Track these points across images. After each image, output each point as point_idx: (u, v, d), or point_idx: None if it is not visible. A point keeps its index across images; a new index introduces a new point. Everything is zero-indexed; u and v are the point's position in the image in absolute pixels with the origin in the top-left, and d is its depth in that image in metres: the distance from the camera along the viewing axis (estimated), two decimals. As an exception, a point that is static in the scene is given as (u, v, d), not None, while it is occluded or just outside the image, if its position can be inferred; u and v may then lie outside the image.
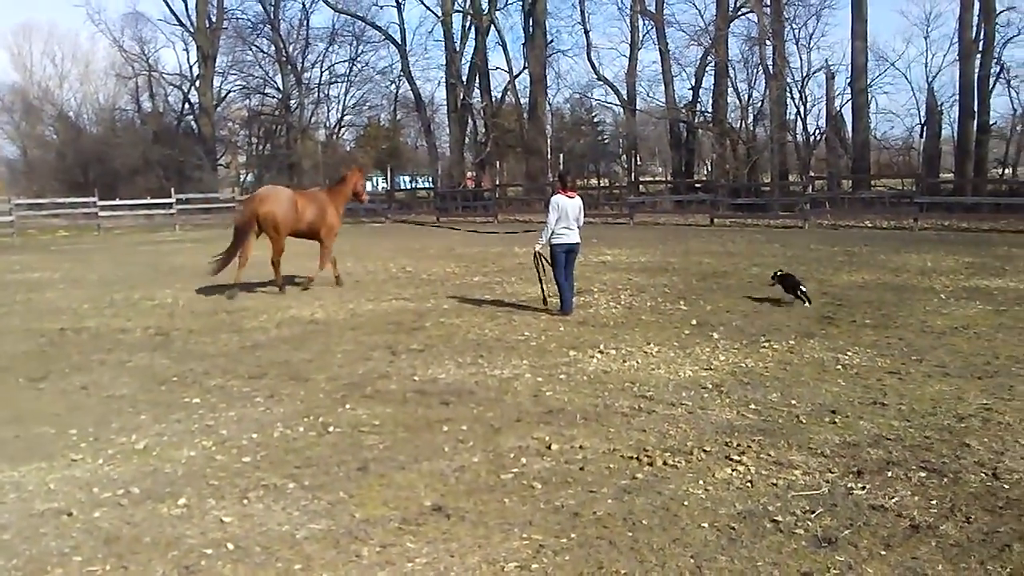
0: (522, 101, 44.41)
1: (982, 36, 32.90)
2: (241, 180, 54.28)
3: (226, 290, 13.01)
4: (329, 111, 54.02)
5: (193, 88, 50.29)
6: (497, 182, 40.91)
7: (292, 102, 50.02)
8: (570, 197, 10.69)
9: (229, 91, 52.04)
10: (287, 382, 7.60)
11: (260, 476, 5.25)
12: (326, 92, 52.14)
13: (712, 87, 39.02)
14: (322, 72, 50.95)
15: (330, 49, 50.50)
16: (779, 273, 11.52)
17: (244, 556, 4.18)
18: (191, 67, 50.24)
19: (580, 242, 10.94)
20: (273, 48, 49.32)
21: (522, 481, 5.05)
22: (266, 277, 13.71)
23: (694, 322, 9.95)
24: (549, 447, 5.63)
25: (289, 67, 48.73)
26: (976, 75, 32.83)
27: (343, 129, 55.75)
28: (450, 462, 5.41)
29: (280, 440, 5.96)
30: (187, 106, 51.93)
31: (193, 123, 52.00)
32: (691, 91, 40.75)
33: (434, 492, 4.91)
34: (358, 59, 51.08)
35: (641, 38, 41.37)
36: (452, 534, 4.34)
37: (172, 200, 34.93)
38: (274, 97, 51.68)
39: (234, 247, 13.13)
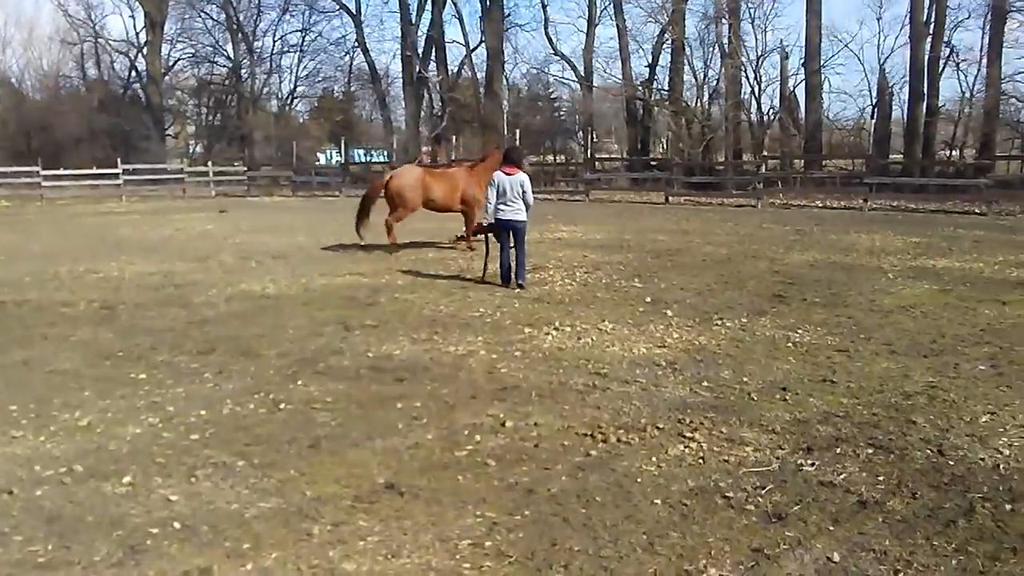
0: (479, 75, 44.17)
1: (932, 19, 33.42)
2: (190, 151, 53.22)
3: (390, 249, 14.54)
4: (281, 82, 53.22)
5: (140, 55, 49.06)
6: (453, 157, 40.57)
7: (243, 72, 49.10)
8: (509, 174, 10.75)
9: (178, 59, 50.95)
10: (237, 358, 7.46)
11: (208, 454, 5.15)
12: (278, 62, 51.39)
13: (669, 65, 39.18)
14: (274, 41, 50.15)
15: (283, 18, 49.64)
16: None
17: (191, 535, 4.09)
18: (138, 34, 49.05)
19: (523, 219, 10.95)
20: (224, 16, 48.28)
21: (476, 458, 5.02)
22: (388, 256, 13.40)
23: (649, 300, 10.00)
24: (503, 424, 5.61)
25: (240, 35, 47.78)
26: (926, 58, 33.37)
27: (296, 100, 54.95)
28: (404, 439, 5.36)
29: (229, 417, 5.85)
30: (134, 74, 50.72)
31: (140, 92, 50.78)
32: (648, 69, 40.90)
33: (387, 469, 4.86)
34: (311, 29, 50.36)
35: (599, 14, 41.31)
36: (405, 512, 4.30)
37: (118, 170, 34.13)
38: (224, 66, 50.71)
39: (360, 213, 14.88)
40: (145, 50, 47.86)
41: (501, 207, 10.80)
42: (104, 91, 50.85)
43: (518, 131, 39.52)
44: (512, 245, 10.95)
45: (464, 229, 14.94)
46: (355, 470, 4.86)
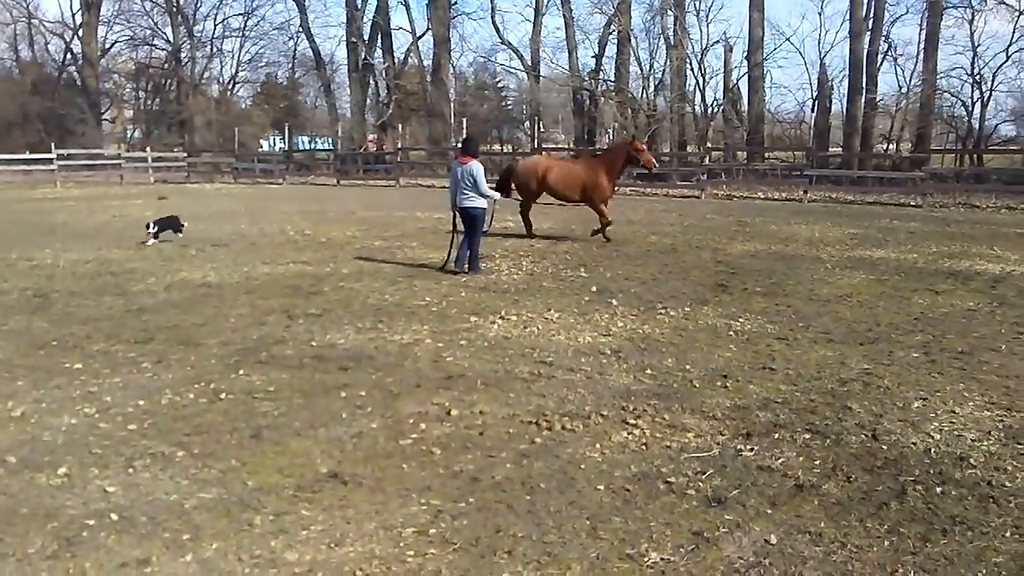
0: (425, 63, 43.87)
1: (872, 14, 34.17)
2: (128, 136, 51.83)
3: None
4: (223, 66, 52.13)
5: (76, 37, 47.56)
6: (399, 145, 40.24)
7: (183, 55, 47.94)
8: (462, 163, 10.98)
9: (115, 42, 49.54)
10: (176, 347, 7.32)
11: (146, 444, 5.05)
12: (219, 46, 50.23)
13: (615, 56, 39.39)
14: (215, 25, 49.00)
15: (224, 1, 48.55)
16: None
17: (129, 527, 4.01)
18: (74, 15, 47.57)
19: (476, 206, 11.08)
20: (163, -2, 47.04)
21: (421, 447, 5.01)
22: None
23: (594, 289, 10.07)
24: (449, 412, 5.61)
25: (180, 18, 46.63)
26: (865, 52, 34.12)
27: (238, 86, 53.88)
28: (348, 428, 5.33)
29: (168, 407, 5.74)
30: (69, 56, 49.14)
31: (76, 75, 49.28)
32: (594, 59, 41.12)
33: (331, 459, 4.83)
34: (254, 13, 49.38)
35: (546, 4, 41.33)
36: (349, 501, 4.28)
37: (52, 155, 33.14)
38: (163, 50, 49.43)
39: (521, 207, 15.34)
40: (81, 32, 46.45)
41: (458, 195, 11.05)
42: (38, 74, 49.18)
43: (465, 120, 39.41)
44: (462, 231, 11.11)
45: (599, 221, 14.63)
46: (298, 460, 4.81)
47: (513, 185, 15.10)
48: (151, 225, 14.05)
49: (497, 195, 11.74)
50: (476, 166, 11.00)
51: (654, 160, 15.05)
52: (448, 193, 11.30)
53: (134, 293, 9.82)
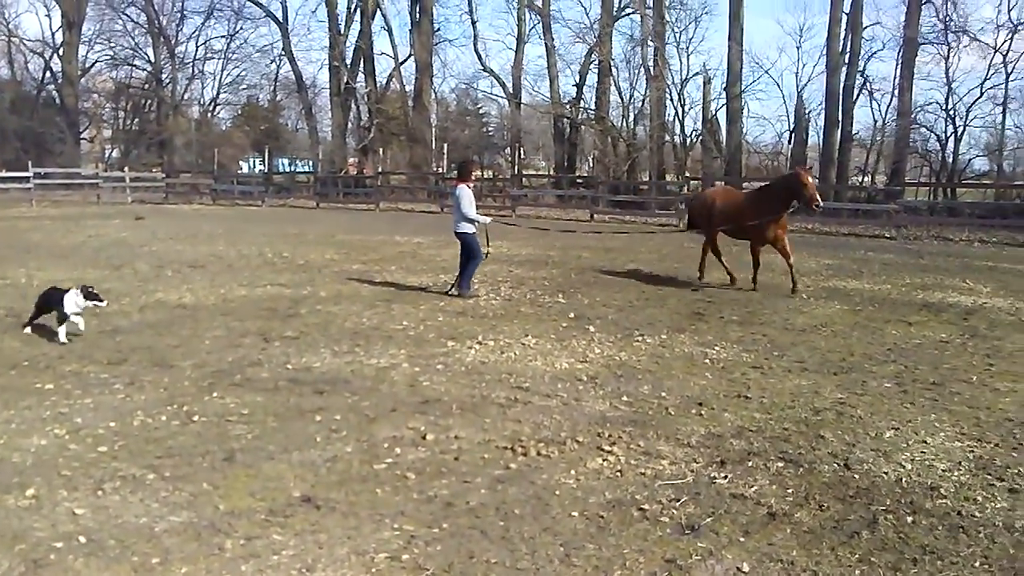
0: (407, 88, 44.01)
1: (848, 49, 34.76)
2: (106, 156, 51.55)
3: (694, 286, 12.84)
4: (204, 88, 52.03)
5: (56, 56, 47.40)
6: (380, 169, 40.32)
7: (164, 76, 47.85)
8: (455, 186, 11.36)
9: (96, 61, 49.38)
10: (149, 368, 7.25)
11: (117, 466, 4.99)
12: (201, 68, 50.18)
13: (595, 85, 39.75)
14: (198, 47, 49.03)
15: (207, 23, 48.62)
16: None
17: (97, 549, 3.96)
18: (54, 34, 47.43)
19: (463, 231, 11.26)
20: (145, 18, 47.01)
21: (395, 471, 4.99)
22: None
23: (571, 315, 10.10)
24: (424, 437, 5.59)
25: (162, 39, 46.60)
26: (841, 86, 34.67)
27: (219, 107, 53.83)
28: (322, 452, 5.30)
29: (140, 429, 5.68)
30: (49, 75, 48.92)
31: (55, 93, 49.02)
32: (575, 88, 41.42)
33: (304, 483, 4.79)
34: (237, 35, 49.42)
35: (527, 32, 41.71)
36: (321, 525, 4.24)
37: (29, 174, 32.83)
38: (144, 70, 49.31)
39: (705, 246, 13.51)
40: (61, 51, 46.29)
41: (453, 219, 11.45)
42: (16, 92, 48.87)
43: (446, 145, 39.56)
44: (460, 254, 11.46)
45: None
46: (270, 483, 4.78)
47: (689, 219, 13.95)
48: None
49: (485, 219, 11.51)
50: (461, 190, 11.17)
51: (818, 198, 11.81)
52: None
53: (108, 314, 9.71)
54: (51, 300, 8.48)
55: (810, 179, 11.79)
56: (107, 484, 4.73)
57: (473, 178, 11.56)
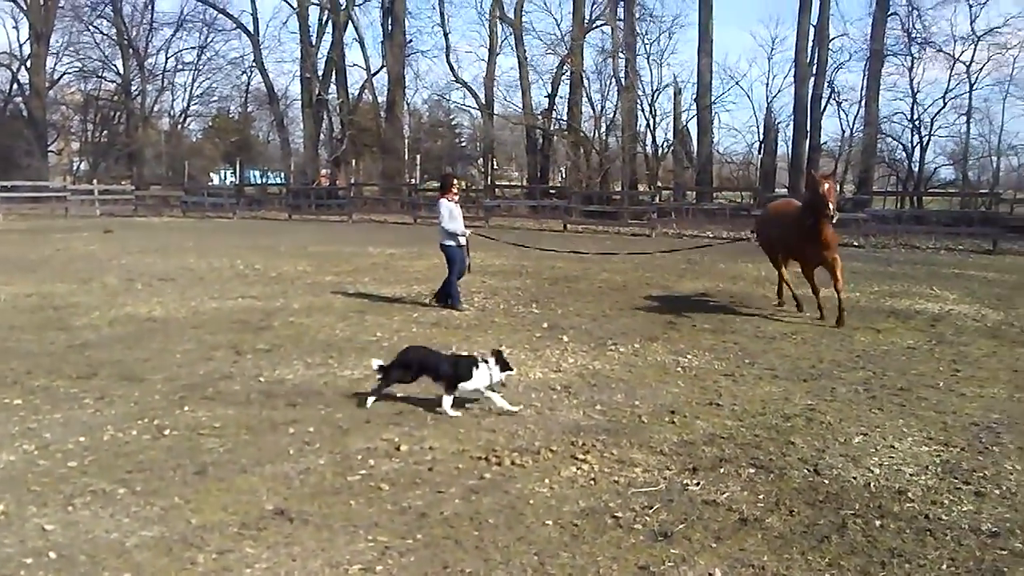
0: (380, 100, 43.96)
1: (816, 60, 35.26)
2: (74, 168, 50.93)
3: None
4: (174, 99, 51.56)
5: (24, 68, 46.75)
6: (353, 181, 40.20)
7: (133, 88, 47.41)
8: (436, 201, 11.60)
9: (64, 73, 48.74)
10: (119, 383, 7.18)
11: (87, 481, 4.93)
12: (171, 79, 49.77)
13: (568, 96, 39.96)
14: (167, 58, 48.62)
15: (177, 35, 48.26)
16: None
17: (67, 565, 3.92)
18: (21, 46, 46.76)
19: (444, 242, 11.38)
20: (114, 30, 46.59)
21: (369, 483, 4.98)
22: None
23: (545, 325, 10.14)
24: (398, 448, 5.59)
25: (131, 51, 46.18)
26: (810, 97, 35.15)
27: (189, 119, 53.34)
28: (295, 464, 5.27)
29: (110, 444, 5.62)
30: (16, 87, 48.23)
31: (22, 106, 48.33)
32: (547, 99, 41.56)
33: (277, 496, 4.77)
34: (207, 47, 49.09)
35: (499, 44, 41.82)
36: (294, 538, 4.22)
37: (-5, 187, 32.35)
38: (113, 82, 48.81)
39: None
40: (29, 63, 45.69)
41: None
42: (-18, 104, 48.24)
43: (419, 156, 39.55)
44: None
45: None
46: (243, 497, 4.75)
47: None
48: None
49: (461, 230, 11.31)
50: (441, 204, 11.36)
51: (831, 207, 10.00)
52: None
53: (77, 328, 9.62)
54: (437, 366, 6.51)
55: (827, 185, 10.08)
56: (77, 499, 4.67)
57: (454, 191, 11.63)
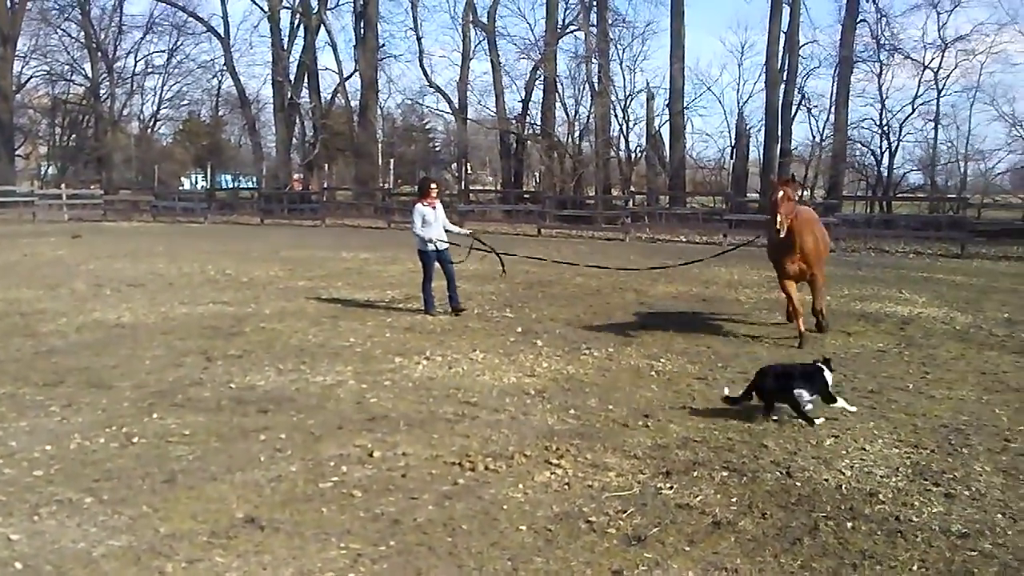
0: (352, 104, 43.76)
1: (787, 66, 35.61)
2: (42, 172, 50.19)
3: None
4: (144, 103, 50.96)
5: (-11, 72, 46.02)
6: (325, 185, 39.97)
7: (102, 91, 46.83)
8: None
9: (31, 76, 48.01)
10: (87, 390, 7.07)
11: (53, 490, 4.85)
12: (141, 83, 49.20)
13: (541, 101, 40.03)
14: (136, 62, 48.05)
15: (147, 38, 47.73)
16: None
17: (33, 575, 3.84)
18: (-13, 50, 46.00)
19: (418, 248, 11.42)
20: (82, 33, 46.03)
21: (342, 490, 4.94)
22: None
23: (519, 330, 10.13)
24: (371, 454, 5.55)
25: (99, 54, 45.63)
26: (780, 102, 35.48)
27: (159, 123, 52.75)
28: (266, 472, 5.21)
29: (77, 452, 5.53)
30: (-19, 91, 47.47)
31: (-11, 110, 47.58)
32: (521, 103, 41.60)
33: (247, 503, 4.71)
34: (178, 50, 48.60)
35: (473, 48, 41.79)
36: (265, 546, 4.17)
37: (-39, 191, 31.81)
38: (82, 85, 48.18)
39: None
40: (-6, 66, 45.02)
41: None
42: (-52, 107, 47.40)
43: (392, 160, 39.42)
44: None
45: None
46: (213, 505, 4.68)
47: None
48: None
49: (437, 235, 11.25)
50: (415, 208, 11.39)
51: (777, 219, 8.97)
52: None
53: (44, 334, 9.46)
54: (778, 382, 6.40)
55: (780, 192, 9.08)
56: (43, 509, 4.59)
57: (432, 195, 11.38)
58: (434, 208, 11.31)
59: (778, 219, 8.98)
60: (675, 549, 4.21)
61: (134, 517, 4.50)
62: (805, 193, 39.22)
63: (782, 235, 9.13)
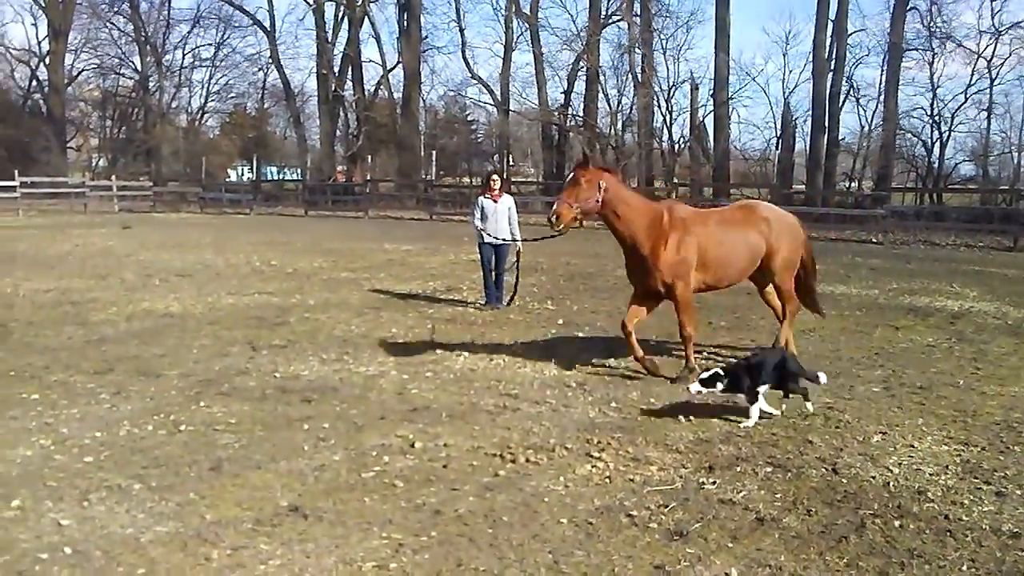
0: (395, 96, 44.03)
1: (835, 55, 34.96)
2: (93, 164, 51.29)
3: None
4: (192, 96, 51.81)
5: (42, 65, 47.17)
6: (368, 177, 40.25)
7: (151, 84, 47.69)
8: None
9: (82, 70, 49.11)
10: (136, 378, 7.21)
11: (103, 477, 4.95)
12: (188, 76, 50.04)
13: (584, 92, 39.86)
14: (184, 55, 48.89)
15: (194, 32, 48.53)
16: None
17: (83, 560, 3.93)
18: (40, 43, 47.19)
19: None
20: (131, 27, 46.89)
21: (384, 480, 4.97)
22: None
23: (560, 322, 10.10)
24: (413, 445, 5.57)
25: (148, 48, 46.45)
26: (828, 92, 34.86)
27: (206, 115, 53.59)
28: (309, 461, 5.27)
29: (126, 439, 5.65)
30: (35, 84, 48.67)
31: (41, 102, 48.77)
32: (563, 95, 41.47)
33: (291, 492, 4.76)
34: (224, 44, 49.32)
35: (515, 40, 41.74)
36: (308, 534, 4.22)
37: (15, 183, 32.61)
38: (131, 78, 49.13)
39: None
40: (48, 60, 46.07)
41: None
42: (2, 101, 48.60)
43: (435, 152, 39.55)
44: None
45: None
46: (257, 493, 4.75)
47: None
48: None
49: (477, 227, 11.26)
50: (477, 201, 11.44)
51: (553, 218, 7.45)
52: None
53: (94, 323, 9.67)
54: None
55: (565, 186, 7.66)
56: (93, 494, 4.69)
57: (493, 188, 11.29)
58: (495, 202, 11.19)
59: (553, 217, 7.31)
60: (718, 545, 4.16)
61: (181, 504, 4.58)
62: (853, 184, 38.60)
63: (559, 230, 7.62)
